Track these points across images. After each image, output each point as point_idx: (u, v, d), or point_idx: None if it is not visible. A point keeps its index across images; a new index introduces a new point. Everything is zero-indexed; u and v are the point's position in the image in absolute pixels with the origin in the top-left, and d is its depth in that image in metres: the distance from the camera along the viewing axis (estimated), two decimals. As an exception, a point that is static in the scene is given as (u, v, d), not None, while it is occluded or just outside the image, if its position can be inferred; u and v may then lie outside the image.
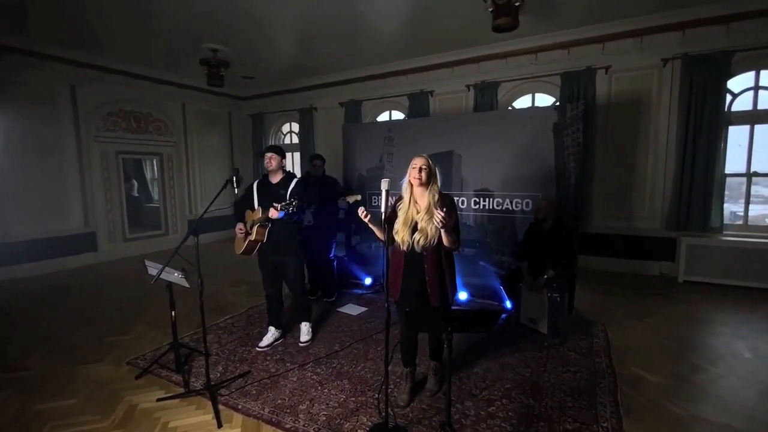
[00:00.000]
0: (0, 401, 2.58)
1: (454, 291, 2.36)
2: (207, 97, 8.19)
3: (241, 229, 3.05)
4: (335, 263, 4.62)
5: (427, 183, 2.21)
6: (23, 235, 5.67)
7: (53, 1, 4.20)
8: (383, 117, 7.50)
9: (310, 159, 4.55)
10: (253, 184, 3.17)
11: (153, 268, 2.72)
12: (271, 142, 9.09)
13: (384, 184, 2.00)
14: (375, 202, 4.86)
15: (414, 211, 2.24)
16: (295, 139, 8.79)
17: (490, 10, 3.76)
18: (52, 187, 5.99)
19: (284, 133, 9.11)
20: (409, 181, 2.23)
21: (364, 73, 7.06)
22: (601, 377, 2.72)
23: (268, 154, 3.04)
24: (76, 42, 5.52)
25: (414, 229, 2.23)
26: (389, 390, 2.16)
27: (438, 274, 2.27)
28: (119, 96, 6.77)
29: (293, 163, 9.20)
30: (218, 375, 2.82)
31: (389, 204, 2.12)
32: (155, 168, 9.46)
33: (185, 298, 3.97)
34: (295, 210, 2.77)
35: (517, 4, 3.60)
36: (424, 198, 2.23)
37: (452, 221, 2.14)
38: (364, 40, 5.64)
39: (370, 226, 2.20)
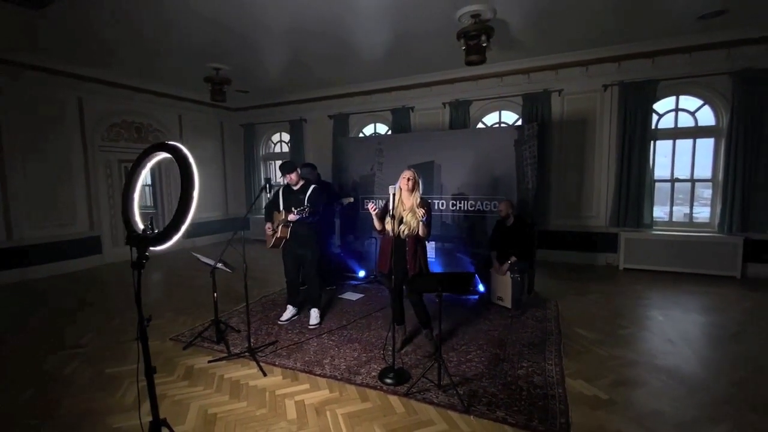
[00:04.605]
0: (73, 369, 3.16)
1: (426, 265, 3.19)
2: (201, 108, 8.73)
3: (269, 228, 3.74)
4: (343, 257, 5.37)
5: (413, 189, 3.07)
6: (35, 239, 6.06)
7: (70, 22, 4.62)
8: (369, 129, 8.29)
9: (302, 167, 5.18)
10: (279, 190, 3.87)
11: (204, 259, 3.41)
12: (262, 151, 9.69)
13: (391, 190, 2.79)
14: (367, 205, 5.61)
15: (401, 209, 3.08)
16: (285, 148, 9.43)
17: (463, 48, 4.62)
18: (60, 194, 6.40)
19: (274, 142, 9.72)
20: (400, 186, 3.08)
21: (352, 90, 7.84)
22: (550, 335, 3.59)
23: (287, 176, 3.78)
24: (84, 59, 5.99)
25: (400, 222, 3.06)
26: (387, 345, 2.93)
27: (414, 253, 3.11)
28: (122, 108, 7.25)
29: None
30: (252, 344, 3.48)
31: (388, 204, 2.96)
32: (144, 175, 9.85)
33: (207, 291, 4.61)
34: (307, 214, 3.53)
35: (484, 44, 4.48)
36: (409, 200, 3.08)
37: (427, 218, 3.01)
38: (350, 61, 6.35)
39: (375, 218, 3.05)
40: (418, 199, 3.06)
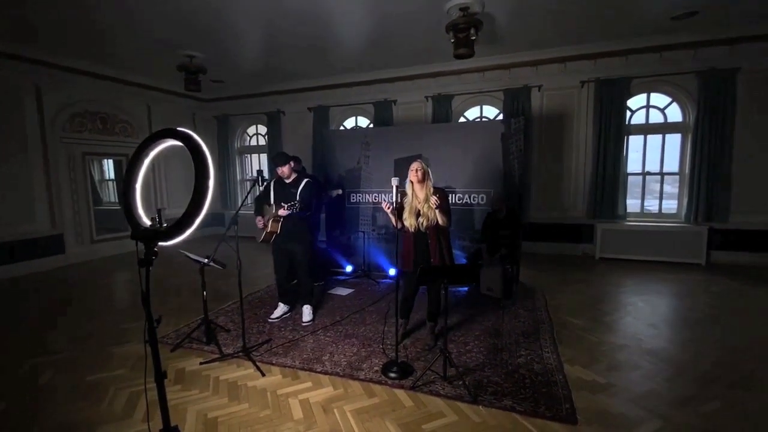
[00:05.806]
0: (49, 377, 2.91)
1: (451, 256, 3.16)
2: (171, 98, 8.28)
3: (260, 222, 3.60)
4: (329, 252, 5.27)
5: (423, 180, 3.01)
6: (-11, 239, 5.57)
7: (27, 2, 4.26)
8: (350, 122, 8.16)
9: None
10: (270, 182, 3.72)
11: (193, 256, 3.25)
12: (237, 144, 9.34)
13: (394, 182, 2.74)
14: (353, 199, 5.54)
15: (416, 201, 3.02)
16: (261, 141, 9.14)
17: (452, 41, 4.62)
18: (18, 189, 5.89)
19: (250, 135, 9.39)
20: (410, 180, 3.01)
21: (332, 81, 7.66)
22: (542, 323, 3.68)
23: (279, 168, 3.60)
24: (43, 43, 5.51)
25: (418, 215, 3.00)
26: (386, 340, 2.90)
27: (438, 244, 3.06)
28: (85, 97, 6.74)
29: (260, 163, 9.54)
30: (244, 344, 3.35)
31: (396, 199, 2.89)
32: (106, 169, 9.29)
33: (187, 290, 4.41)
34: (298, 209, 3.43)
35: (473, 38, 4.49)
36: (422, 191, 3.02)
37: (445, 205, 2.98)
38: (332, 52, 6.17)
39: (390, 215, 2.96)
40: (431, 189, 3.00)
